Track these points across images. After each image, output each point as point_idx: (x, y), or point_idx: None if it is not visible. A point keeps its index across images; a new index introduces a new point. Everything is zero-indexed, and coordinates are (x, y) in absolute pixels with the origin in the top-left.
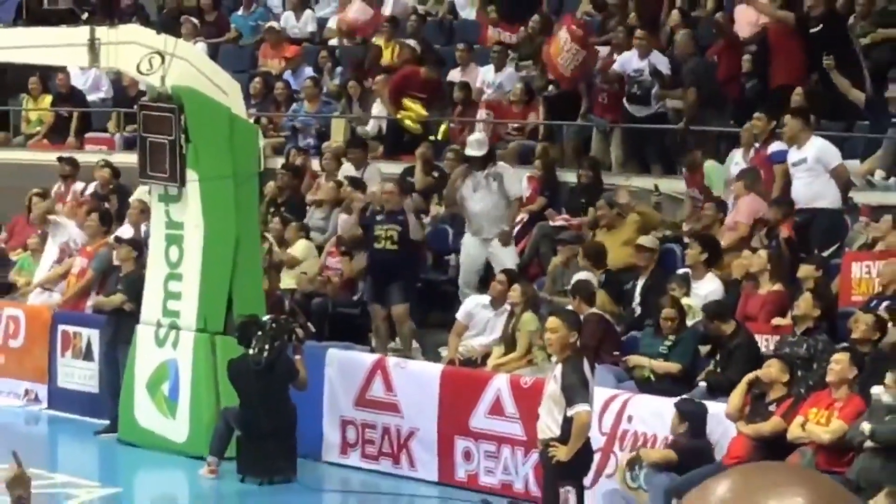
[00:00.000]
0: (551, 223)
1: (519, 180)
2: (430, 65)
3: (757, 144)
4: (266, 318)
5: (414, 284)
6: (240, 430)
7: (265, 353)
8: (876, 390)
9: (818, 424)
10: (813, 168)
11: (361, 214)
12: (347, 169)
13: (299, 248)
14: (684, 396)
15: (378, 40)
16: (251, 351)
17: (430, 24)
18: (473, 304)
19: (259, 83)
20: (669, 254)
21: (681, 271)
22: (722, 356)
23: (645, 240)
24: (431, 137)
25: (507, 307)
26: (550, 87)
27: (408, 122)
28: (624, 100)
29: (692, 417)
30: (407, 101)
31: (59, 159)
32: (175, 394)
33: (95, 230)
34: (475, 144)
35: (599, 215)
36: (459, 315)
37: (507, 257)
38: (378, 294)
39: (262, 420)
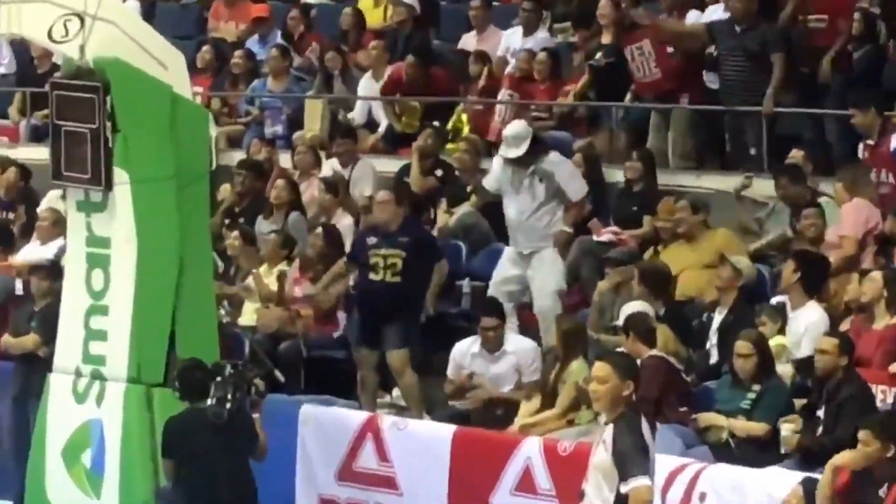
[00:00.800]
0: (595, 238)
1: (576, 176)
2: (417, 54)
3: (870, 141)
4: (223, 362)
5: (416, 325)
6: None
7: (227, 404)
8: None
9: None
10: None
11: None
12: (332, 166)
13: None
14: (810, 475)
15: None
16: (210, 401)
17: None
18: (461, 354)
19: (209, 53)
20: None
21: (775, 300)
22: (828, 411)
23: (737, 259)
24: (436, 124)
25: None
26: (599, 55)
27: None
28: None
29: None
30: (405, 119)
31: None
32: (100, 465)
33: None
34: (512, 141)
35: (663, 226)
36: (450, 372)
37: (548, 279)
38: (368, 336)
39: (223, 489)
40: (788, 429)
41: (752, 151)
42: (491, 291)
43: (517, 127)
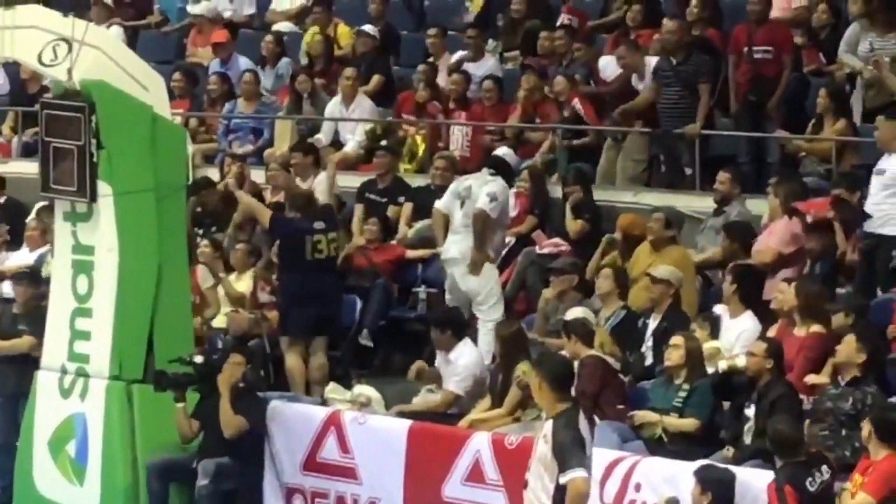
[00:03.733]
0: (538, 249)
1: (487, 192)
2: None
3: None
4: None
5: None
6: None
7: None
8: None
9: (853, 495)
10: (891, 185)
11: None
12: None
13: (246, 279)
14: (707, 462)
15: (313, 30)
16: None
17: (397, 4)
18: (438, 356)
19: (182, 78)
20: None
21: (714, 309)
22: (760, 409)
23: (662, 270)
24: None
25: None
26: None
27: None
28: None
29: (717, 487)
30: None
31: None
32: (83, 455)
33: None
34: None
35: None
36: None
37: (475, 289)
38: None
39: None
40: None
41: (688, 171)
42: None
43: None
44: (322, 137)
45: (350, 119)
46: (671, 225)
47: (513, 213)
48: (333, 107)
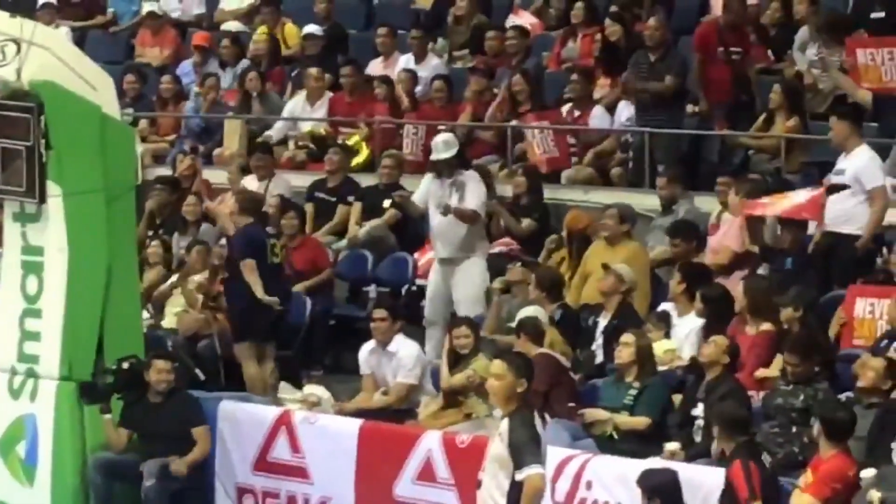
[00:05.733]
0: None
1: (476, 191)
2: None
3: None
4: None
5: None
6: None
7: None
8: None
9: (801, 493)
10: (849, 184)
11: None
12: (250, 182)
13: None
14: (648, 468)
15: (261, 30)
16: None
17: (345, 3)
18: (362, 354)
19: (135, 77)
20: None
21: (661, 307)
22: (708, 406)
23: (617, 266)
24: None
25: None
26: None
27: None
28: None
29: (662, 492)
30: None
31: None
32: (33, 456)
33: None
34: (441, 146)
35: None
36: (363, 368)
37: (469, 287)
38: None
39: None
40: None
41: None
42: (427, 308)
43: (447, 136)
44: (273, 134)
45: (311, 119)
46: (625, 220)
47: None
48: (294, 105)
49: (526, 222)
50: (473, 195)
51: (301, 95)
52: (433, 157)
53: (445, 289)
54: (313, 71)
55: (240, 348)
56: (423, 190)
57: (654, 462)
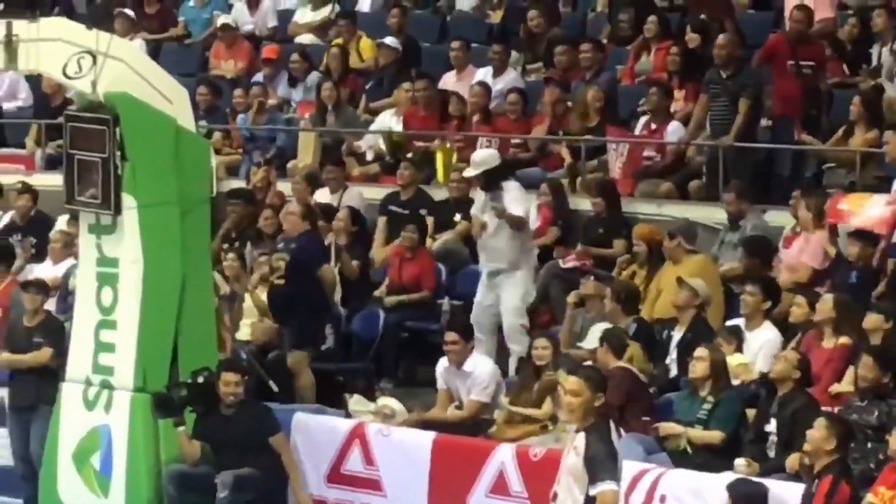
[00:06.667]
0: (562, 264)
1: (519, 199)
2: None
3: None
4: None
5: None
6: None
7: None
8: None
9: None
10: None
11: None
12: (322, 194)
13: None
14: (740, 476)
15: (336, 41)
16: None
17: (418, 16)
18: (439, 370)
19: (208, 90)
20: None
21: (732, 322)
22: (781, 421)
23: (692, 280)
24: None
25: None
26: None
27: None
28: None
29: (748, 502)
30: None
31: None
32: (108, 467)
33: None
34: (472, 165)
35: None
36: (439, 383)
37: (513, 296)
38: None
39: None
40: None
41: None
42: (474, 315)
43: (480, 153)
44: (362, 145)
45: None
46: (673, 237)
47: (534, 225)
48: (386, 118)
49: (618, 244)
50: (515, 203)
51: (391, 110)
52: (464, 173)
53: (491, 300)
54: (406, 85)
55: (299, 356)
56: (476, 203)
57: (731, 476)
